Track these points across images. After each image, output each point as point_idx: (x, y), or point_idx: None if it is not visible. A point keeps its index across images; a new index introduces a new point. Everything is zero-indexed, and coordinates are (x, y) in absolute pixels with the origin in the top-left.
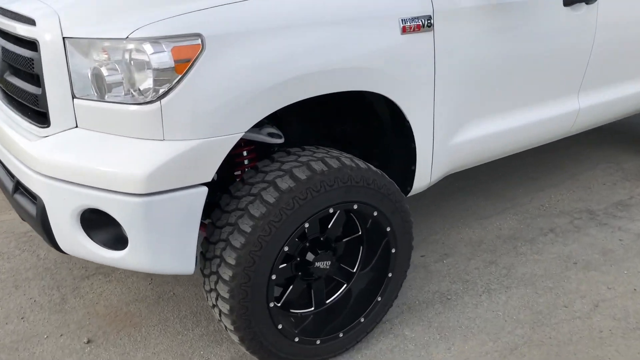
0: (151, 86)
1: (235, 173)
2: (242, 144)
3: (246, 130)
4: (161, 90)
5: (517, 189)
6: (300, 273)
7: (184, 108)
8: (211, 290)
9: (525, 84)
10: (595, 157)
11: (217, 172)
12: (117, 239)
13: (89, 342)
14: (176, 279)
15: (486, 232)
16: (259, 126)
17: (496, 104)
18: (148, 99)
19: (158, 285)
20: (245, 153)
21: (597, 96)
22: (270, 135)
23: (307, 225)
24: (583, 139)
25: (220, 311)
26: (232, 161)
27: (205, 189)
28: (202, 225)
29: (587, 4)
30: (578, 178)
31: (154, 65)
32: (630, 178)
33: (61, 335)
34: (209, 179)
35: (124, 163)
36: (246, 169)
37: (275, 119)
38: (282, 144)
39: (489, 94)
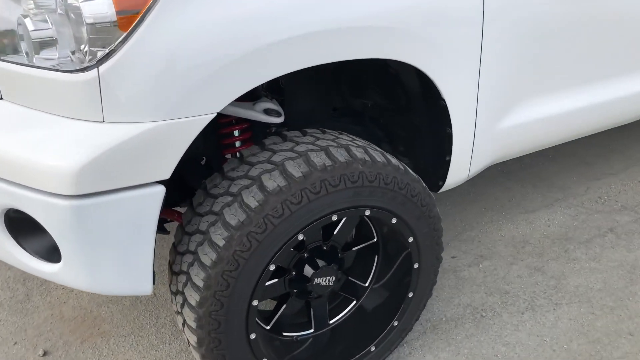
0: (86, 47)
1: (226, 156)
2: (233, 121)
3: (219, 109)
4: (99, 54)
5: (569, 176)
6: (295, 290)
7: (130, 78)
8: (178, 313)
9: (595, 54)
10: None
11: (205, 151)
12: (53, 248)
13: (44, 354)
14: (160, 276)
15: (532, 230)
16: (253, 99)
17: (557, 78)
18: (83, 65)
19: None
20: (237, 133)
21: None
22: (267, 112)
23: (301, 237)
24: None
25: (188, 341)
26: (222, 142)
27: (161, 189)
28: (174, 214)
29: None
30: None
31: (88, 18)
32: None
33: (15, 343)
34: (167, 176)
35: (48, 151)
36: (237, 153)
37: (276, 91)
38: (284, 122)
39: (549, 66)
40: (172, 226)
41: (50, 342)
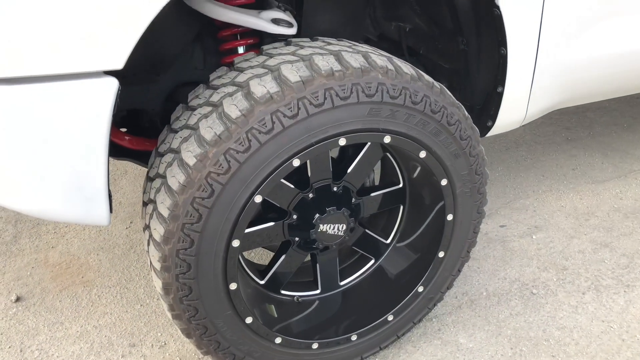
0: None
1: None
2: (238, 35)
3: None
4: None
5: None
6: (297, 239)
7: None
8: (147, 252)
9: None
10: None
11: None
12: None
13: (17, 300)
14: None
15: (600, 202)
16: (263, 9)
17: None
18: None
19: (137, 230)
20: (241, 50)
21: None
22: (276, 22)
23: (297, 162)
24: None
25: (155, 287)
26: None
27: (113, 83)
28: None
29: None
30: None
31: None
32: None
33: None
34: (119, 65)
35: None
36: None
37: (295, 6)
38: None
39: None
40: None
41: (27, 287)
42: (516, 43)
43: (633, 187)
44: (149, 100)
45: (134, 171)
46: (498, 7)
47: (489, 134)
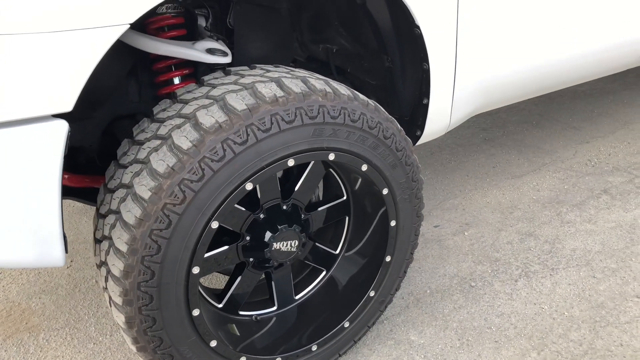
0: None
1: None
2: (172, 67)
3: (131, 21)
4: None
5: (556, 141)
6: (251, 259)
7: None
8: (104, 289)
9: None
10: None
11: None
12: None
13: None
14: None
15: (520, 195)
16: (195, 40)
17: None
18: None
19: (78, 269)
20: (177, 80)
21: None
22: (211, 52)
23: (250, 186)
24: (633, 81)
25: (117, 322)
26: (159, 93)
27: (63, 125)
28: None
29: None
30: (632, 127)
31: None
32: None
33: None
34: (69, 107)
35: None
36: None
37: (225, 34)
38: (231, 66)
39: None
40: None
41: None
42: (436, 58)
43: (547, 179)
44: (86, 136)
45: (67, 209)
46: (418, 27)
47: (419, 142)
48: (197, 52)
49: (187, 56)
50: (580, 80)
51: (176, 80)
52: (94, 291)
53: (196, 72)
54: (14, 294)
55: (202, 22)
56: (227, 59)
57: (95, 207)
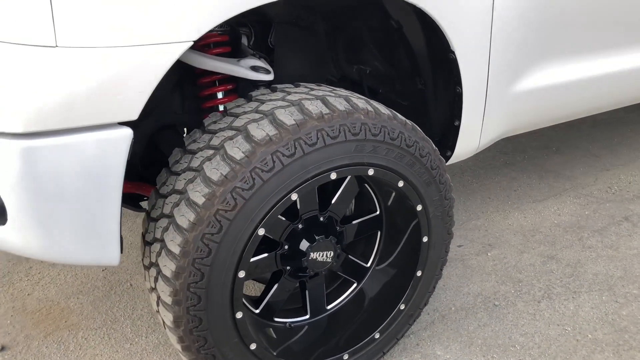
0: None
1: None
2: (216, 82)
3: (194, 38)
4: None
5: (576, 167)
6: (288, 267)
7: None
8: (152, 289)
9: (616, 20)
10: None
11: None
12: None
13: (2, 349)
14: (138, 265)
15: (541, 219)
16: (239, 57)
17: (581, 39)
18: None
19: (113, 272)
20: (220, 95)
21: None
22: (255, 69)
23: (295, 197)
24: None
25: (163, 321)
26: (203, 106)
27: (128, 133)
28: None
29: None
30: None
31: None
32: None
33: None
34: (134, 116)
35: None
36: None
37: (266, 52)
38: (272, 83)
39: (573, 24)
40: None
41: (9, 336)
42: (469, 82)
43: (568, 204)
44: (133, 144)
45: None
46: (453, 52)
47: (448, 162)
48: (242, 69)
49: (234, 72)
50: (608, 108)
51: (219, 95)
52: (128, 294)
53: (237, 87)
54: (53, 294)
55: (244, 40)
56: (270, 77)
57: (134, 212)
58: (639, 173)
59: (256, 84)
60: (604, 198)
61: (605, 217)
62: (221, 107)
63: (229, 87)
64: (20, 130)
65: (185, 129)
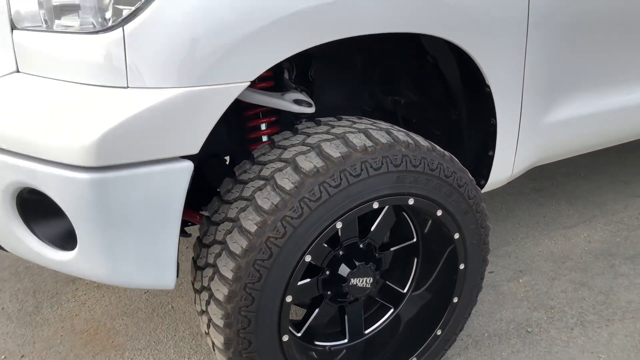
0: (110, 8)
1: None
2: (260, 114)
3: (252, 79)
4: (125, 12)
5: (606, 194)
6: (329, 292)
7: (157, 39)
8: (202, 312)
9: None
10: None
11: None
12: (66, 234)
13: None
14: (178, 288)
15: (572, 246)
16: (282, 91)
17: (611, 71)
18: (106, 25)
19: (155, 295)
20: (264, 126)
21: None
22: (298, 103)
23: (340, 225)
24: None
25: (213, 343)
26: (247, 137)
27: (189, 165)
28: (197, 216)
29: None
30: None
31: None
32: None
33: (22, 356)
34: (195, 150)
35: (67, 120)
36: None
37: (305, 85)
38: (313, 115)
39: (603, 57)
40: (193, 230)
41: (60, 355)
42: (503, 114)
43: (598, 230)
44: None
45: None
46: (489, 86)
47: (482, 191)
48: (286, 102)
49: (279, 106)
50: (638, 137)
51: (263, 126)
52: (170, 316)
53: (279, 119)
54: (99, 314)
55: (286, 74)
56: (312, 110)
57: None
58: None
59: (298, 116)
60: (634, 225)
61: (637, 244)
62: (264, 138)
63: (273, 119)
64: (94, 164)
65: (227, 158)
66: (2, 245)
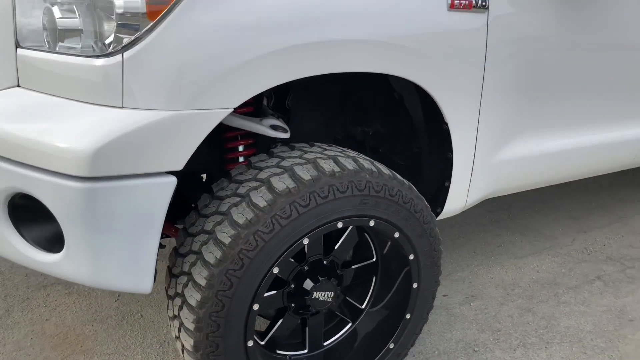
0: (113, 34)
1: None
2: (239, 136)
3: (235, 105)
4: (125, 40)
5: (556, 228)
6: (293, 304)
7: (153, 66)
8: (174, 317)
9: (600, 95)
10: None
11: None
12: (53, 238)
13: None
14: (148, 297)
15: (521, 274)
16: (260, 116)
17: (559, 115)
18: (107, 51)
19: (125, 303)
20: (241, 148)
21: None
22: (274, 128)
23: (306, 241)
24: (629, 179)
25: (182, 346)
26: (225, 157)
27: (173, 180)
28: (172, 229)
29: None
30: (626, 222)
31: (119, 9)
32: None
33: None
34: (179, 167)
35: (64, 132)
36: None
37: (282, 112)
38: (288, 140)
39: (552, 103)
40: (166, 241)
41: (29, 357)
42: (459, 150)
43: (546, 262)
44: None
45: None
46: (447, 124)
47: (438, 218)
48: (264, 127)
49: (256, 130)
50: (587, 176)
51: (240, 148)
52: (139, 324)
53: (256, 142)
54: (69, 320)
55: (264, 101)
56: (287, 135)
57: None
58: (612, 237)
59: (274, 141)
60: (579, 258)
61: (579, 275)
62: (241, 159)
63: (250, 141)
64: (87, 174)
65: (204, 175)
66: None
